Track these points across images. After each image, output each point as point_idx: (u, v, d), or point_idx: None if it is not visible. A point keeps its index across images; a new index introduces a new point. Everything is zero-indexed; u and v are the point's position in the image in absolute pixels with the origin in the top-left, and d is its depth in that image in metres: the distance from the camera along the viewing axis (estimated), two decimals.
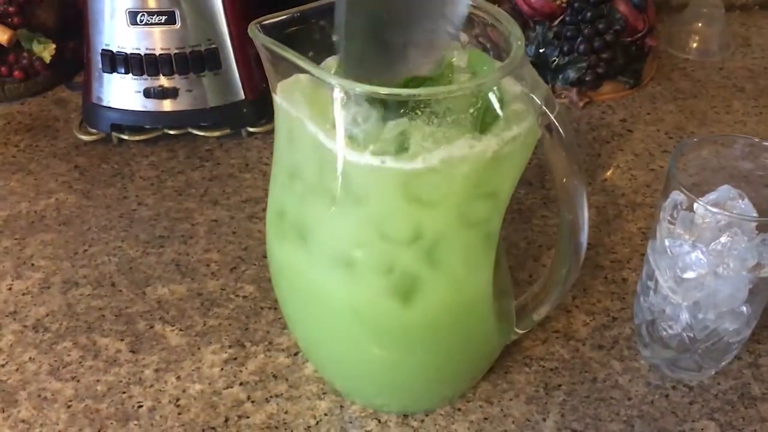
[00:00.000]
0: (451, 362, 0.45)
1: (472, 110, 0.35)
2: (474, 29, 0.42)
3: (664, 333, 0.48)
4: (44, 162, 0.70)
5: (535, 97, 0.38)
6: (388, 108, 0.35)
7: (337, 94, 0.35)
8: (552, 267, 0.47)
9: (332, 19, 0.42)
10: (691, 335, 0.47)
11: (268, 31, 0.38)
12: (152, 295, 0.56)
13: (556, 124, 0.38)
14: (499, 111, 0.37)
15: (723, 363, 0.49)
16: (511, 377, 0.50)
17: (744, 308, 0.45)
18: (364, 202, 0.37)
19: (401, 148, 0.35)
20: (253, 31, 0.38)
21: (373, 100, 0.35)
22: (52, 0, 0.77)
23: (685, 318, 0.46)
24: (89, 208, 0.64)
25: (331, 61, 0.40)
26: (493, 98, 0.36)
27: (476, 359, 0.47)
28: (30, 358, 0.52)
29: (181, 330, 0.54)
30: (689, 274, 0.44)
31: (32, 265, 0.59)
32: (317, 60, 0.40)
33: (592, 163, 0.69)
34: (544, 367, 0.51)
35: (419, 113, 0.35)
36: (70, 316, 0.55)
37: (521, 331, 0.49)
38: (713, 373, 0.50)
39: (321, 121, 0.37)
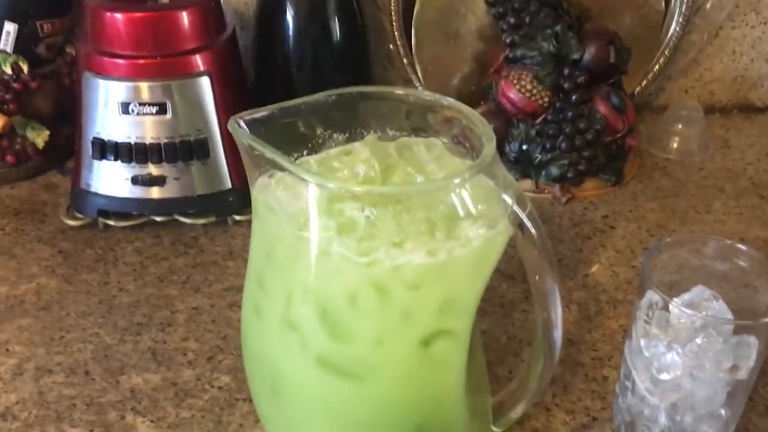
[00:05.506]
0: None
1: (443, 207, 0.35)
2: (452, 129, 0.44)
3: None
4: (29, 246, 0.70)
5: (506, 196, 0.38)
6: (363, 204, 0.36)
7: (312, 190, 0.36)
8: (529, 364, 0.46)
9: (314, 115, 0.43)
10: None
11: (248, 125, 0.40)
12: (126, 384, 0.55)
13: (528, 222, 0.39)
14: (471, 209, 0.37)
15: None
16: None
17: (722, 411, 0.45)
18: (334, 298, 0.37)
19: (372, 243, 0.35)
20: (233, 126, 0.39)
21: (346, 196, 0.35)
22: (48, 88, 0.79)
23: (663, 420, 0.45)
24: (69, 294, 0.64)
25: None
26: (465, 196, 0.37)
27: None
28: None
29: (152, 421, 0.52)
30: (665, 376, 0.43)
31: (7, 350, 0.58)
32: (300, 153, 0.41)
33: (573, 258, 0.69)
34: None
35: (391, 209, 0.35)
36: (40, 405, 0.54)
37: (498, 430, 0.48)
38: None
39: (296, 215, 0.37)
